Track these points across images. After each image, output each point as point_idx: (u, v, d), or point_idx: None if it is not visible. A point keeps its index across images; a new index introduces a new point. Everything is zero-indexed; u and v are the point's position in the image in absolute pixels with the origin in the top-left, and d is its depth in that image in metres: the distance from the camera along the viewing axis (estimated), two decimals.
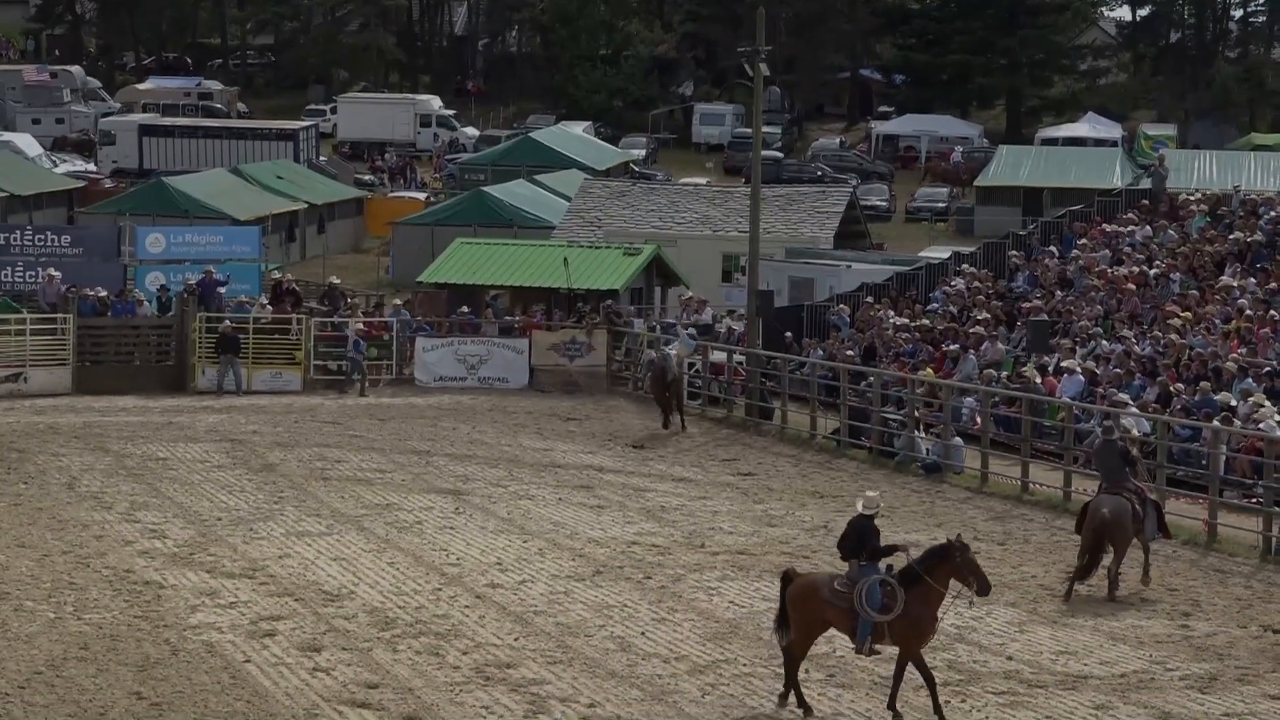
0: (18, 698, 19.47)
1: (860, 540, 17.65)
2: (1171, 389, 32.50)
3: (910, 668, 17.60)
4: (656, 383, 33.37)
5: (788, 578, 17.78)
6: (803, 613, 17.56)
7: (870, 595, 17.18)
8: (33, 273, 45.91)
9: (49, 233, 49.75)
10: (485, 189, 60.56)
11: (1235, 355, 33.66)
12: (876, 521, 18.29)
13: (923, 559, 17.78)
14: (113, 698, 19.41)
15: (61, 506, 30.73)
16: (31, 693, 19.49)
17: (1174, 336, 35.23)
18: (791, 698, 17.75)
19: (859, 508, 18.41)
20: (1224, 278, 38.75)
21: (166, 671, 20.46)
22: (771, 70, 47.86)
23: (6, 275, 45.71)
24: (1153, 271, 39.83)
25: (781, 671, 19.01)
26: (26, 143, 75.96)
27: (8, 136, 77.93)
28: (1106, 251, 42.56)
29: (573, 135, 76.90)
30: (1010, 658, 21.13)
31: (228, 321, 44.62)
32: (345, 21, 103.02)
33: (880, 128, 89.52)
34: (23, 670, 20.51)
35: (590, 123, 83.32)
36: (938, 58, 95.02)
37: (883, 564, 17.65)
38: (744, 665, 20.98)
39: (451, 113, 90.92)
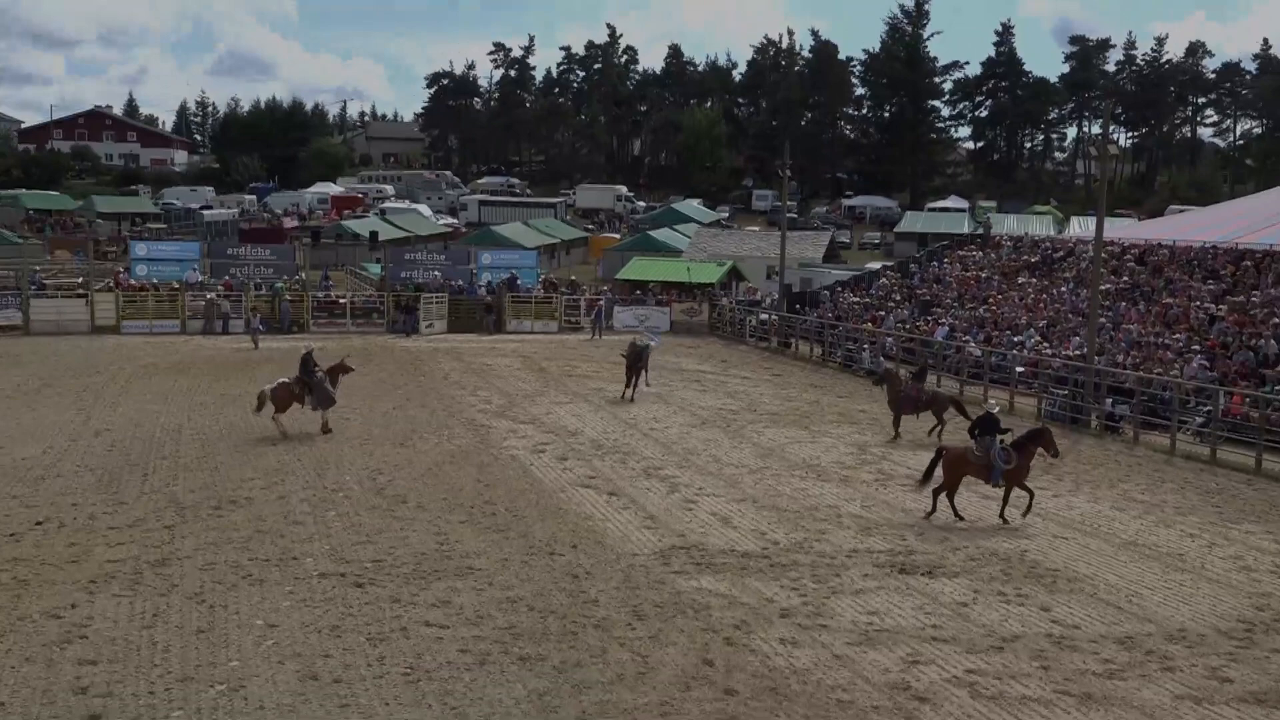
0: (419, 482, 22.20)
1: (986, 426, 20.30)
2: (992, 335, 40.74)
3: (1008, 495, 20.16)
4: (631, 362, 32.09)
5: (942, 451, 20.57)
6: (956, 469, 19.95)
7: (999, 456, 19.98)
8: (425, 273, 52.82)
9: (434, 254, 57.64)
10: (648, 232, 77.39)
11: (1026, 317, 42.22)
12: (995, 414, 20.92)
13: (1025, 435, 20.78)
14: (463, 483, 22.29)
15: (441, 388, 34.35)
16: (425, 480, 22.48)
17: (992, 307, 44.58)
18: (938, 510, 20.17)
19: (988, 408, 21.54)
20: (1020, 279, 48.21)
21: (492, 469, 23.71)
22: (791, 172, 54.86)
23: (415, 275, 53.01)
24: (983, 275, 50.15)
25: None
26: (425, 211, 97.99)
27: (416, 207, 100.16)
28: (958, 265, 53.17)
29: (692, 205, 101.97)
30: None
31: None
32: (580, 148, 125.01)
33: (846, 202, 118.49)
34: (420, 468, 23.44)
35: (700, 200, 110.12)
36: (875, 166, 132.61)
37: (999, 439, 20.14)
38: (776, 472, 24.11)
39: (632, 193, 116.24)
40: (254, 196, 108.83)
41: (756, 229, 78.62)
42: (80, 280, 52.73)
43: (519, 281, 53.01)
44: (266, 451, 24.28)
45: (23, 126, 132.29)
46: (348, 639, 13.93)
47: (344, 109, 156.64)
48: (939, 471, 20.17)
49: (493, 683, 12.76)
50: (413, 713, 11.94)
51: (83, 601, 15.09)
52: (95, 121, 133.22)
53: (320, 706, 12.07)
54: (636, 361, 31.94)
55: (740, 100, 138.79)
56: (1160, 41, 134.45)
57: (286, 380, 26.56)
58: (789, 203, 71.76)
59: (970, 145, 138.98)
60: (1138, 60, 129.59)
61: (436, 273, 53.02)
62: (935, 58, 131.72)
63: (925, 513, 20.23)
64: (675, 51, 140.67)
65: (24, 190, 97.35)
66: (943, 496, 20.19)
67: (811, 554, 17.89)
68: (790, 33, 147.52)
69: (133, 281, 50.50)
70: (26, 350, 40.58)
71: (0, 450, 24.19)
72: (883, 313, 46.57)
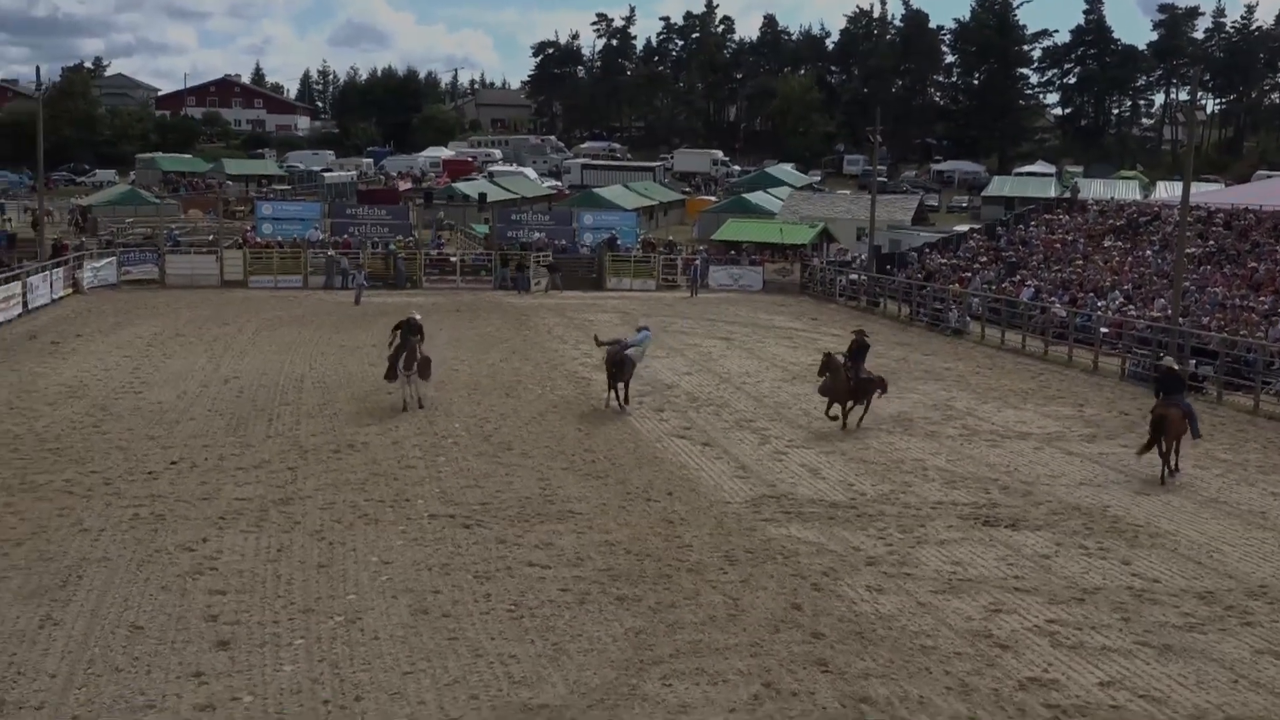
0: (524, 430, 22.43)
1: (1172, 384, 19.85)
2: (1078, 296, 39.49)
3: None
4: (612, 371, 24.10)
5: (1164, 417, 19.16)
6: (1176, 426, 19.14)
7: (1195, 414, 19.95)
8: (530, 233, 53.66)
9: (539, 215, 58.17)
10: (743, 195, 74.49)
11: (1111, 280, 40.89)
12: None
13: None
14: (565, 432, 22.46)
15: (545, 341, 34.75)
16: (529, 429, 22.67)
17: (1078, 269, 43.46)
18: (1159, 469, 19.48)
19: (1167, 363, 21.30)
20: (1105, 242, 46.72)
21: (591, 419, 23.80)
22: (882, 137, 53.94)
23: (520, 235, 53.52)
24: (1069, 238, 48.55)
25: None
26: (530, 174, 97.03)
27: (522, 170, 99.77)
28: (1045, 228, 51.79)
29: (785, 170, 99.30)
30: None
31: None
32: (679, 114, 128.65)
33: (935, 167, 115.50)
34: (524, 417, 23.71)
35: (793, 164, 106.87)
36: (964, 132, 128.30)
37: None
38: (863, 426, 23.65)
39: (727, 158, 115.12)
40: (371, 160, 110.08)
41: (847, 192, 77.51)
42: (211, 238, 53.92)
43: (618, 241, 52.97)
44: (382, 400, 24.56)
45: (159, 94, 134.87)
46: (456, 576, 14.16)
47: (455, 77, 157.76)
48: (1159, 436, 19.21)
49: (592, 620, 12.86)
50: (517, 647, 12.07)
51: (213, 536, 15.49)
52: (225, 89, 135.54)
53: (431, 639, 12.25)
54: (619, 372, 24.41)
55: (833, 68, 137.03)
56: (1250, 9, 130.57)
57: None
58: (879, 167, 70.70)
59: (1058, 111, 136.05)
60: (1226, 28, 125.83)
61: (540, 233, 53.34)
62: (1024, 26, 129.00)
63: (1159, 479, 19.25)
64: (770, 21, 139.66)
65: (160, 154, 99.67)
66: (1151, 460, 19.50)
67: (897, 505, 17.74)
68: (882, 2, 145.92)
69: (259, 239, 51.56)
70: (162, 302, 41.55)
71: (139, 395, 24.93)
72: (969, 274, 45.88)
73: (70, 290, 42.69)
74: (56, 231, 53.49)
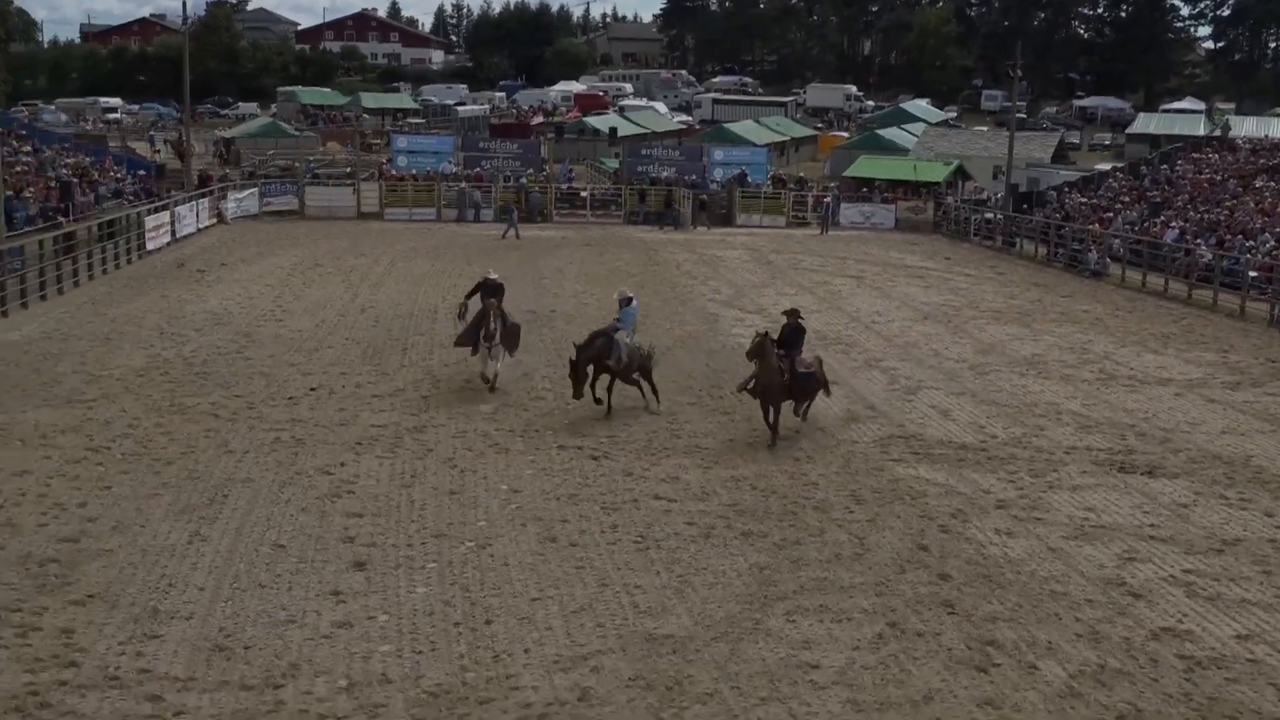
0: (662, 360, 20.99)
1: None
2: (1225, 239, 37.39)
3: None
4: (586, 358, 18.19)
5: None
6: None
7: None
8: (660, 168, 53.52)
9: (669, 150, 57.40)
10: (876, 131, 71.50)
11: (1262, 222, 38.39)
12: None
13: None
14: (693, 367, 22.29)
15: (674, 277, 34.61)
16: (668, 358, 22.08)
17: (1227, 211, 40.89)
18: None
19: None
20: (1257, 183, 43.86)
21: (720, 355, 23.33)
22: (1022, 72, 52.08)
23: (650, 170, 53.16)
24: (1218, 178, 45.97)
25: None
26: (661, 108, 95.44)
27: (653, 104, 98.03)
28: (1192, 167, 49.06)
29: (919, 105, 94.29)
30: None
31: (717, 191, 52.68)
32: (811, 48, 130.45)
33: (1078, 103, 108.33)
34: (660, 344, 23.33)
35: (928, 100, 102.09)
36: (1109, 66, 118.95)
37: None
38: (995, 367, 23.31)
39: (861, 93, 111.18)
40: (503, 94, 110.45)
41: (984, 129, 75.36)
42: (348, 170, 54.80)
43: (749, 178, 52.45)
44: None
45: (299, 28, 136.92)
46: (584, 507, 14.35)
47: (587, 10, 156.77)
48: None
49: (716, 554, 12.92)
50: (642, 577, 12.22)
51: (350, 461, 15.91)
52: (362, 23, 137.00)
53: (559, 566, 12.46)
54: (606, 361, 18.35)
55: (971, 1, 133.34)
56: None
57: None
58: (1018, 103, 68.03)
59: (1210, 45, 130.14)
60: None
61: (671, 168, 52.98)
62: None
63: None
64: None
65: (300, 87, 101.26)
66: None
67: (1029, 449, 17.38)
68: None
69: (394, 172, 52.26)
70: (302, 233, 42.46)
71: (280, 323, 25.69)
72: (1110, 214, 44.22)
73: (215, 220, 43.91)
74: (201, 163, 54.68)
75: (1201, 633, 11.27)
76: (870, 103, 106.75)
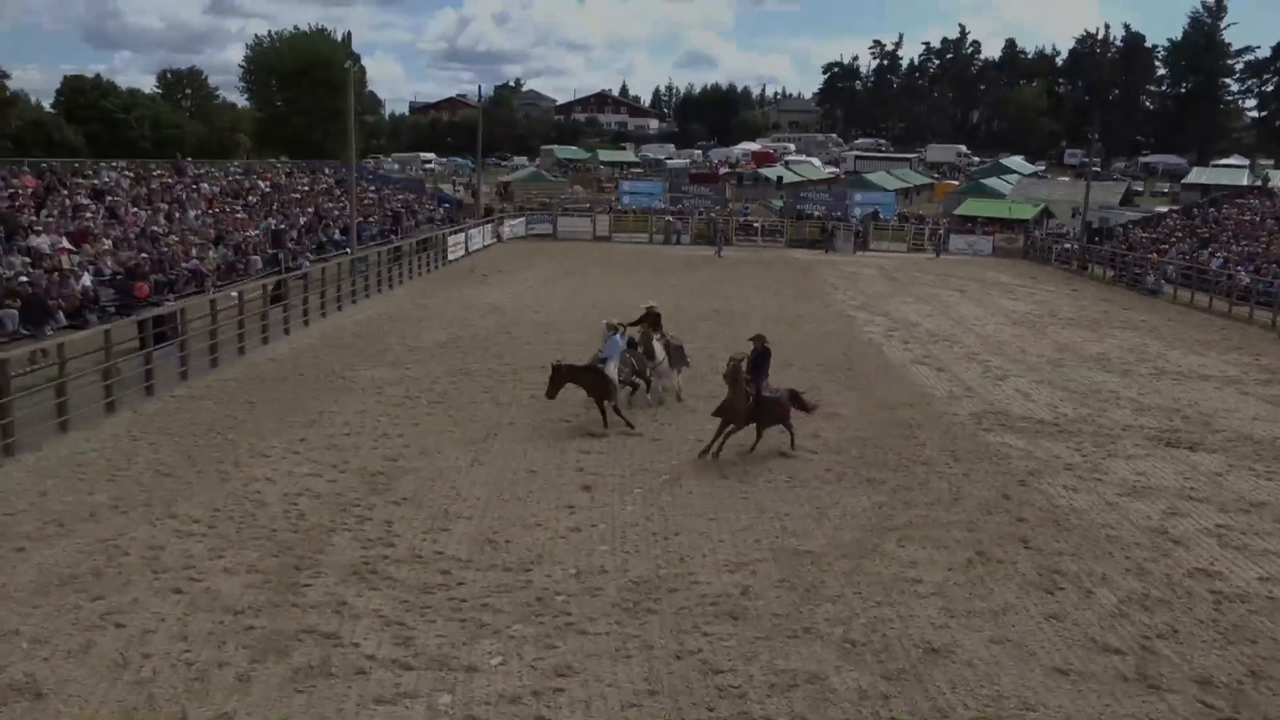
0: (801, 352, 21.29)
1: None
2: (1262, 266, 34.08)
3: None
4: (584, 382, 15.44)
5: None
6: None
7: None
8: (813, 206, 52.32)
9: (820, 193, 55.93)
10: (980, 180, 68.15)
11: None
12: None
13: None
14: (832, 355, 21.80)
15: (820, 287, 33.80)
16: (805, 351, 22.06)
17: (1264, 244, 37.75)
18: None
19: None
20: None
21: (853, 347, 22.88)
22: (1098, 134, 48.80)
23: (806, 208, 51.76)
24: (1257, 219, 42.50)
25: None
26: (816, 163, 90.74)
27: (810, 159, 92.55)
28: (1236, 210, 45.63)
29: (1015, 160, 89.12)
30: None
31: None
32: (932, 118, 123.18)
33: (1142, 159, 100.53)
34: (802, 342, 22.91)
35: (1022, 156, 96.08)
36: (1169, 130, 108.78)
37: None
38: (1068, 362, 22.03)
39: (969, 151, 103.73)
40: (700, 151, 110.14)
41: (1066, 179, 71.46)
42: (588, 206, 55.61)
43: (881, 214, 51.24)
44: (701, 324, 24.77)
45: (557, 104, 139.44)
46: (748, 455, 14.15)
47: (764, 90, 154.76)
48: None
49: (847, 494, 12.64)
50: (790, 508, 12.03)
51: (582, 412, 15.86)
52: (601, 100, 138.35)
53: (728, 497, 12.33)
54: (601, 390, 15.22)
55: (1060, 80, 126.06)
56: None
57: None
58: (1095, 159, 64.34)
59: (1255, 114, 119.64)
60: None
61: (821, 207, 52.27)
62: (1229, 43, 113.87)
63: None
64: (1010, 44, 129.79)
65: (556, 145, 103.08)
66: None
67: (1093, 426, 16.40)
68: (1106, 26, 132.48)
69: (620, 207, 52.89)
70: (554, 250, 43.25)
71: (536, 313, 26.24)
72: (1166, 246, 41.27)
73: (494, 240, 45.23)
74: (487, 199, 56.41)
75: (1229, 573, 10.48)
76: (976, 159, 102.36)
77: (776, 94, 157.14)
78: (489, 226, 45.53)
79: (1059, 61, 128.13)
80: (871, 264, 41.51)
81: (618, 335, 15.88)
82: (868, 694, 7.97)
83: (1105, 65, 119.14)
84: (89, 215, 26.63)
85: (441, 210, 49.22)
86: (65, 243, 23.34)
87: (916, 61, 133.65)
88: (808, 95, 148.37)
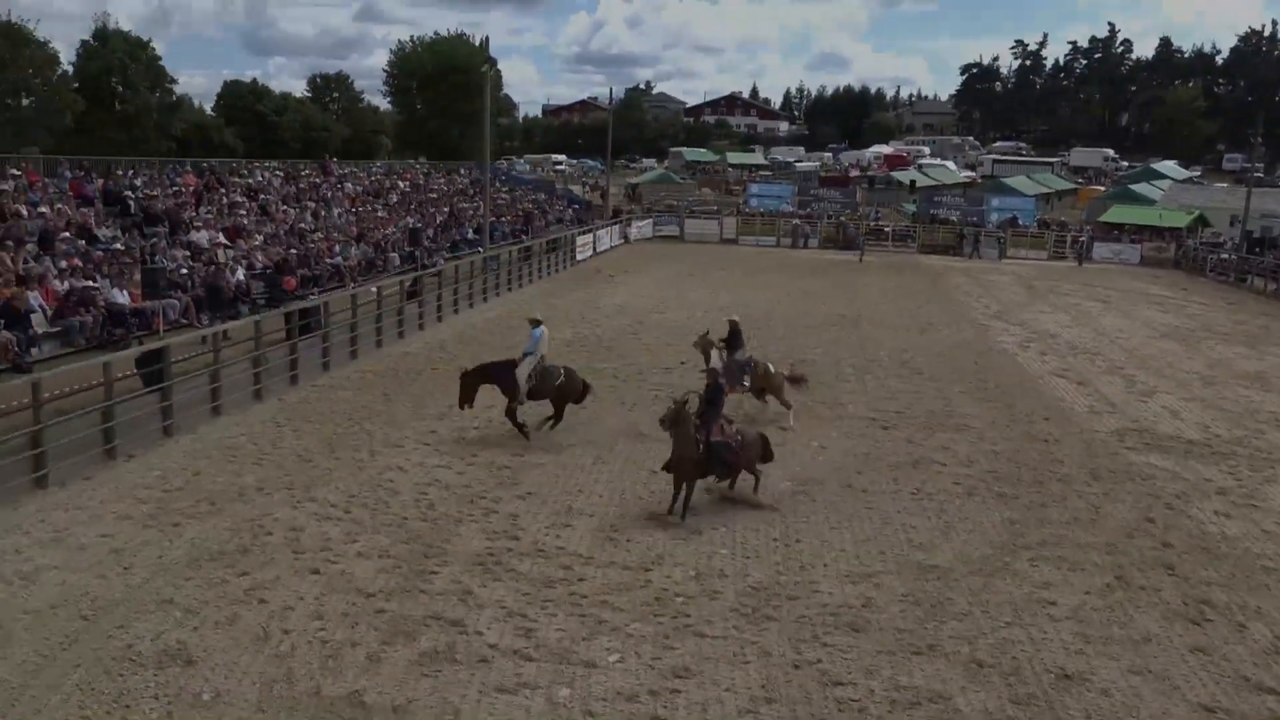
0: (933, 361, 20.84)
1: None
2: None
3: None
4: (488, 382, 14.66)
5: None
6: None
7: None
8: (947, 211, 51.06)
9: (955, 198, 54.41)
10: (1129, 185, 64.78)
11: None
12: None
13: None
14: (965, 364, 20.88)
15: (952, 293, 32.62)
16: (936, 360, 21.31)
17: None
18: None
19: None
20: None
21: (987, 357, 22.14)
22: (1262, 138, 45.53)
23: (940, 212, 50.32)
24: None
25: None
26: (951, 166, 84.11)
27: (945, 163, 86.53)
28: None
29: (1168, 165, 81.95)
30: None
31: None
32: (1076, 120, 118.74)
33: None
34: (933, 351, 22.20)
35: (1176, 161, 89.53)
36: None
37: None
38: (1222, 379, 20.76)
39: (1116, 155, 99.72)
40: (830, 154, 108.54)
41: (1224, 185, 67.30)
42: (715, 208, 55.51)
43: (1019, 220, 49.36)
44: (827, 330, 24.44)
45: (686, 106, 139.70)
46: (874, 464, 13.89)
47: (897, 92, 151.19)
48: None
49: (976, 508, 12.22)
50: (916, 520, 11.74)
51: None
52: (731, 102, 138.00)
53: (852, 506, 12.13)
54: (507, 390, 14.45)
55: (1219, 80, 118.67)
56: None
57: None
58: (1257, 164, 60.31)
59: None
60: None
61: (956, 212, 50.70)
62: None
63: None
64: (1165, 41, 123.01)
65: (685, 148, 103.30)
66: None
67: (1249, 448, 15.36)
68: (1274, 23, 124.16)
69: (748, 210, 52.52)
70: (681, 252, 43.33)
71: (662, 314, 26.30)
72: None
73: (622, 241, 45.65)
74: (615, 201, 56.96)
75: None
76: (1124, 163, 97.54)
77: (911, 96, 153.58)
78: (617, 228, 45.98)
79: (1219, 60, 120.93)
80: (1008, 271, 40.00)
81: (540, 329, 14.85)
82: (994, 717, 7.71)
83: (1271, 64, 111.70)
84: (243, 212, 28.24)
85: (571, 211, 50.01)
86: (221, 237, 24.82)
87: (1062, 61, 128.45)
88: (944, 97, 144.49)
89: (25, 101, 48.29)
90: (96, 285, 18.72)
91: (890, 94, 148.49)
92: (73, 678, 7.81)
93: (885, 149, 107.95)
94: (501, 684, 7.92)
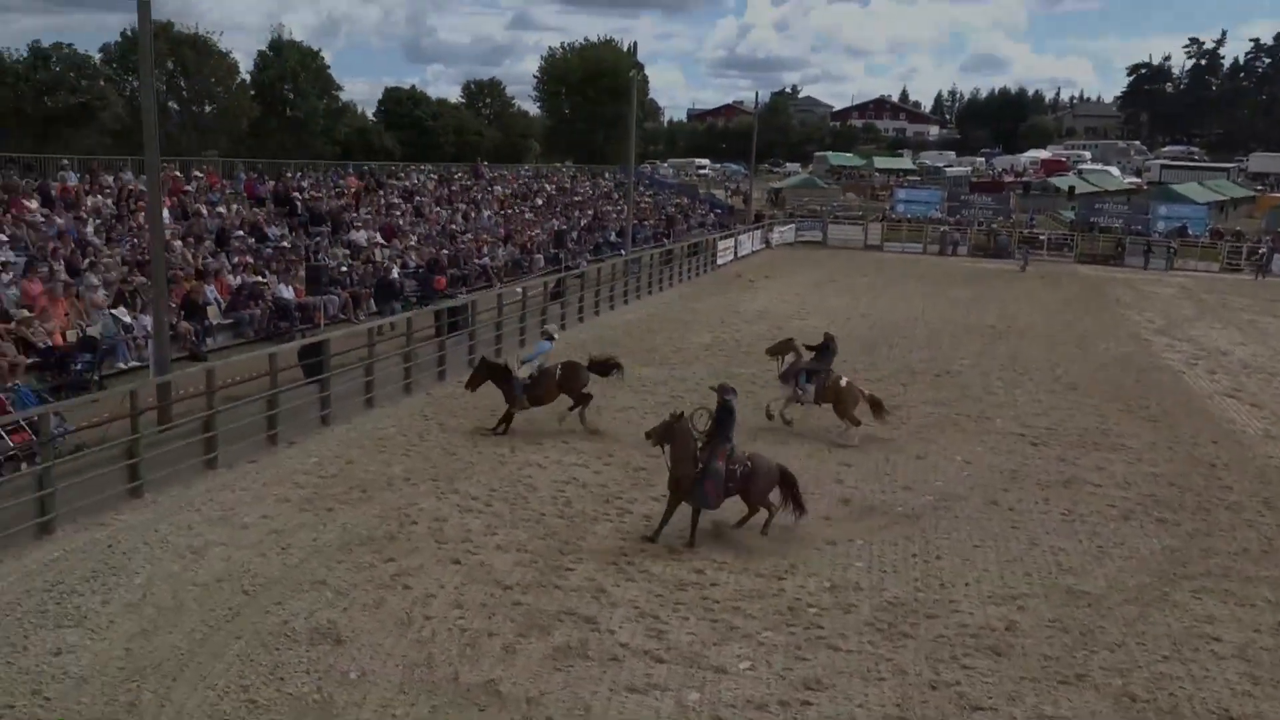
0: (1089, 376, 19.86)
1: None
2: None
3: None
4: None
5: None
6: None
7: None
8: (1109, 219, 48.26)
9: (1118, 205, 51.35)
10: None
11: None
12: None
13: None
14: (1124, 381, 19.84)
15: (1112, 308, 30.92)
16: (1094, 375, 20.22)
17: None
18: None
19: None
20: None
21: (1149, 374, 20.87)
22: None
23: (1101, 220, 47.84)
24: None
25: None
26: (1114, 171, 75.38)
27: (1107, 168, 76.50)
28: None
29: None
30: None
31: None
32: (1258, 123, 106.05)
33: None
34: (1090, 366, 21.17)
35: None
36: None
37: None
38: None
39: None
40: (983, 159, 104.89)
41: None
42: (860, 213, 54.57)
43: (1188, 229, 46.31)
44: (975, 341, 23.59)
45: (833, 110, 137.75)
46: (1022, 482, 13.35)
47: (1057, 94, 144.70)
48: None
49: (1133, 534, 11.55)
50: (1067, 543, 11.19)
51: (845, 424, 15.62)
52: (880, 106, 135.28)
53: (997, 525, 11.68)
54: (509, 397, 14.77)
55: None
56: None
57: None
58: None
59: None
60: None
61: (1119, 220, 48.03)
62: None
63: None
64: None
65: (830, 152, 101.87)
66: None
67: None
68: None
69: (894, 215, 51.36)
70: (822, 257, 42.74)
71: (803, 320, 25.88)
72: None
73: (764, 245, 45.37)
74: (758, 205, 56.65)
75: None
76: None
77: (1072, 98, 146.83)
78: (758, 232, 45.78)
79: None
80: (1174, 283, 37.61)
81: (547, 344, 15.27)
82: None
83: None
84: (399, 213, 29.53)
85: (713, 215, 50.13)
86: (379, 237, 26.04)
87: (1242, 60, 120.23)
88: (1108, 99, 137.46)
89: (208, 109, 51.95)
90: (265, 280, 19.95)
91: (1049, 96, 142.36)
92: (234, 648, 8.31)
93: (1042, 153, 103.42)
94: (632, 683, 7.98)
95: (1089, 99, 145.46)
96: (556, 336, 15.94)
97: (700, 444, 10.93)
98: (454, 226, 30.19)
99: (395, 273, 23.36)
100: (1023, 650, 8.71)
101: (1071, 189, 67.58)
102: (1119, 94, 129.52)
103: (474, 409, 15.89)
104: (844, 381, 15.32)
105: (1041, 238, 47.32)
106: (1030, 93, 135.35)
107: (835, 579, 10.05)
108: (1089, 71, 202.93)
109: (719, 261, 37.98)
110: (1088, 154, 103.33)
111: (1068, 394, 18.56)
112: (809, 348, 15.96)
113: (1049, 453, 14.72)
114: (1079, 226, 48.23)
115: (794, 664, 8.35)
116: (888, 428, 15.41)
